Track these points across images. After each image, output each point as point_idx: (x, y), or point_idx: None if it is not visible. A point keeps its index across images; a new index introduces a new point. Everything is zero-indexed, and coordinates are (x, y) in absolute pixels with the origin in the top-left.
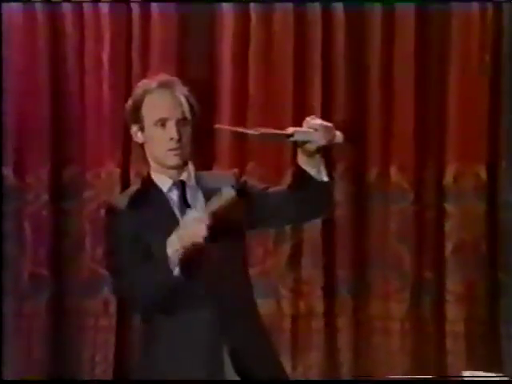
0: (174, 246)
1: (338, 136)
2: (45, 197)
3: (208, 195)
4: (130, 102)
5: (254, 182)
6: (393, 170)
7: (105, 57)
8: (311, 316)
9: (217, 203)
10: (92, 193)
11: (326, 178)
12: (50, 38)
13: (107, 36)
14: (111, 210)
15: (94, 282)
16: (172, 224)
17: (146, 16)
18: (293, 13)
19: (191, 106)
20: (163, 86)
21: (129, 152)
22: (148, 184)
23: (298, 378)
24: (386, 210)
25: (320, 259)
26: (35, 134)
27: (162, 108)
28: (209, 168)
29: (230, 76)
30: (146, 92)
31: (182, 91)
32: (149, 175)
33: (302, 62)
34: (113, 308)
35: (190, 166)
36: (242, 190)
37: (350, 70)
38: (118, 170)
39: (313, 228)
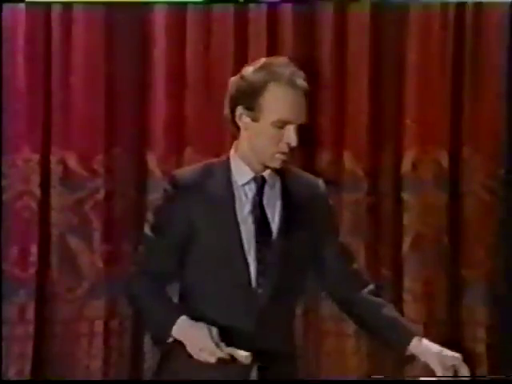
0: (180, 338)
1: None
2: None
3: (287, 200)
4: (248, 79)
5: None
6: (346, 156)
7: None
8: None
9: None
10: (5, 182)
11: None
12: None
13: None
14: (172, 184)
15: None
16: (229, 226)
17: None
18: (233, 11)
19: None
20: (292, 78)
21: (48, 136)
22: (223, 168)
23: None
24: (338, 200)
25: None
26: None
27: (287, 108)
28: (141, 152)
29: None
30: (272, 79)
31: (305, 89)
32: (228, 158)
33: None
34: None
35: None
36: None
37: (298, 54)
38: (36, 156)
39: None
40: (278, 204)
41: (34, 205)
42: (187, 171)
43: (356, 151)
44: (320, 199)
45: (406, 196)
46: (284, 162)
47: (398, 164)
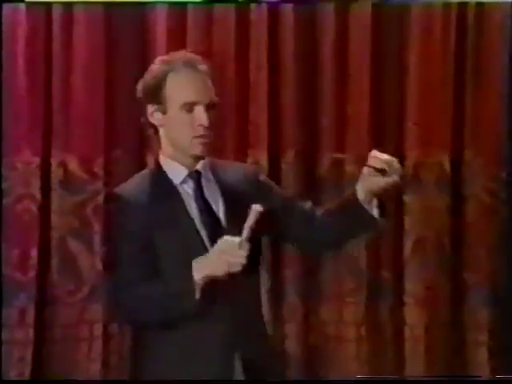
0: (204, 272)
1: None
2: None
3: (226, 191)
4: (147, 79)
5: (277, 188)
6: (347, 159)
7: (20, 51)
8: None
9: (250, 224)
10: (6, 185)
11: (376, 215)
12: None
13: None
14: (117, 201)
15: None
16: (185, 222)
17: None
18: (234, 12)
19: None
20: (189, 64)
21: (49, 139)
22: (156, 172)
23: None
24: None
25: (265, 258)
26: None
27: (190, 90)
28: (142, 154)
29: None
30: (169, 70)
31: (206, 71)
32: (158, 162)
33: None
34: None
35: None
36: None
37: (299, 55)
38: (36, 159)
39: None
40: (218, 194)
41: (34, 208)
42: (127, 186)
43: (356, 153)
44: (251, 180)
45: (407, 198)
46: (205, 145)
47: None
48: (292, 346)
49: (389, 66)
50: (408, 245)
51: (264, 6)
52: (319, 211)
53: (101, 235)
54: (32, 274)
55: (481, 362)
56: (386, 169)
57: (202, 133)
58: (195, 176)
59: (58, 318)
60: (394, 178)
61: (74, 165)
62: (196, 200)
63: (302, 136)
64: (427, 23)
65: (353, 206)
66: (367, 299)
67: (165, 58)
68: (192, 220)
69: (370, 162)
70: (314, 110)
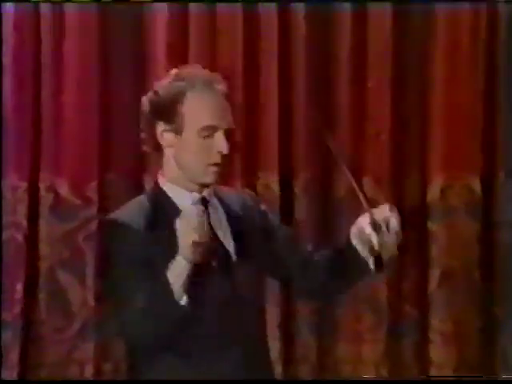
0: (176, 267)
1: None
2: None
3: (232, 219)
4: (160, 93)
5: (276, 222)
6: (366, 183)
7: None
8: None
9: None
10: None
11: (371, 266)
12: None
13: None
14: (116, 228)
15: None
16: None
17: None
18: (242, 11)
19: None
20: (209, 84)
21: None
22: (159, 196)
23: None
24: None
25: (277, 291)
26: None
27: (211, 113)
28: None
29: None
30: (188, 87)
31: (224, 92)
32: (158, 186)
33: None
34: None
35: None
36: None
37: (313, 67)
38: (23, 184)
39: None
40: (224, 222)
41: (20, 237)
42: (125, 212)
43: (377, 177)
44: (254, 209)
45: (433, 226)
46: (217, 174)
47: (424, 191)
48: None
49: (412, 77)
50: (434, 277)
51: (273, 7)
52: (317, 255)
53: (94, 266)
54: (17, 310)
55: None
56: (383, 228)
57: (218, 161)
58: (203, 203)
59: (45, 358)
60: (388, 240)
61: (64, 189)
62: None
63: (316, 157)
64: (454, 28)
65: (347, 253)
66: (388, 337)
67: (181, 72)
68: None
69: (371, 212)
70: (329, 128)
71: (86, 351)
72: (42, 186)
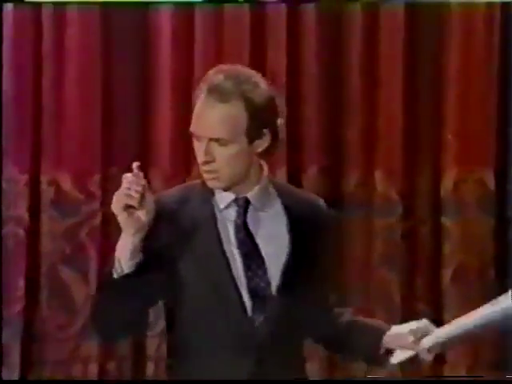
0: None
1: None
2: None
3: (293, 226)
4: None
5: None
6: (377, 177)
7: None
8: None
9: None
10: None
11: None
12: None
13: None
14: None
15: None
16: (213, 251)
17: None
18: (249, 12)
19: None
20: (216, 89)
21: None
22: (204, 191)
23: None
24: (369, 226)
25: None
26: None
27: (196, 120)
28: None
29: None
30: (203, 88)
31: (227, 101)
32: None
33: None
34: None
35: (262, 183)
36: None
37: (324, 60)
38: (24, 177)
39: None
40: (268, 223)
41: (21, 232)
42: (163, 197)
43: (389, 171)
44: (323, 223)
45: (446, 221)
46: (212, 180)
47: (437, 185)
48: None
49: (424, 72)
50: (447, 273)
51: (282, 6)
52: (346, 317)
53: (97, 262)
54: (18, 307)
55: None
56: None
57: (204, 168)
58: (242, 203)
59: (47, 356)
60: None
61: (66, 183)
62: (236, 229)
63: (325, 150)
64: (468, 24)
65: (373, 336)
66: None
67: (211, 71)
68: (223, 253)
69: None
70: (340, 122)
71: (90, 349)
72: (43, 179)
